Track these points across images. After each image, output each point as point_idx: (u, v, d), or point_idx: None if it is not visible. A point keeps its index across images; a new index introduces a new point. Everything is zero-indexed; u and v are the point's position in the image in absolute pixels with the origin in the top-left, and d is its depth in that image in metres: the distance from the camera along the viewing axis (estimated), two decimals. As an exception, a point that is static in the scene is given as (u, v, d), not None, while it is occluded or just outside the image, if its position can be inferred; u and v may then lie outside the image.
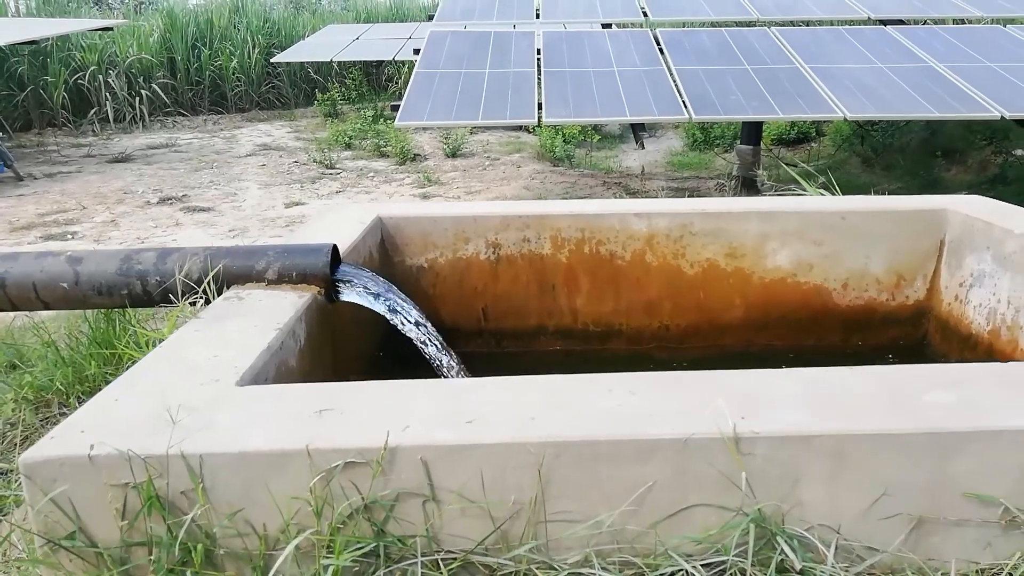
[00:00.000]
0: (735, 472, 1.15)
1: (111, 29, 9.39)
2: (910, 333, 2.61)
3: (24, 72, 10.03)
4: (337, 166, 7.79)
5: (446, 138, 8.42)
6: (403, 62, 11.78)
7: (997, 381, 1.28)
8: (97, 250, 1.84)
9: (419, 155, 8.33)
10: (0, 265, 1.78)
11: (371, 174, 7.43)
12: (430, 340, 1.87)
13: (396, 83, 13.14)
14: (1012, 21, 5.78)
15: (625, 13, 6.03)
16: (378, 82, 13.84)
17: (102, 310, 2.12)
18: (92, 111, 10.43)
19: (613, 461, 1.15)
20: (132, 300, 1.78)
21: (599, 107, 4.46)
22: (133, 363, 1.44)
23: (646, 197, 6.06)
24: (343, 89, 12.22)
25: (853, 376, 1.30)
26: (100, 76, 10.61)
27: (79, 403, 2.12)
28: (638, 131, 4.85)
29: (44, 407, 2.13)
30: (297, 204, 6.21)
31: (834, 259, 2.51)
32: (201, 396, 1.26)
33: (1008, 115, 4.12)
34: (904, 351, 2.59)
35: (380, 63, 13.37)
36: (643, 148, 5.84)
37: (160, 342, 1.51)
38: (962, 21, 5.89)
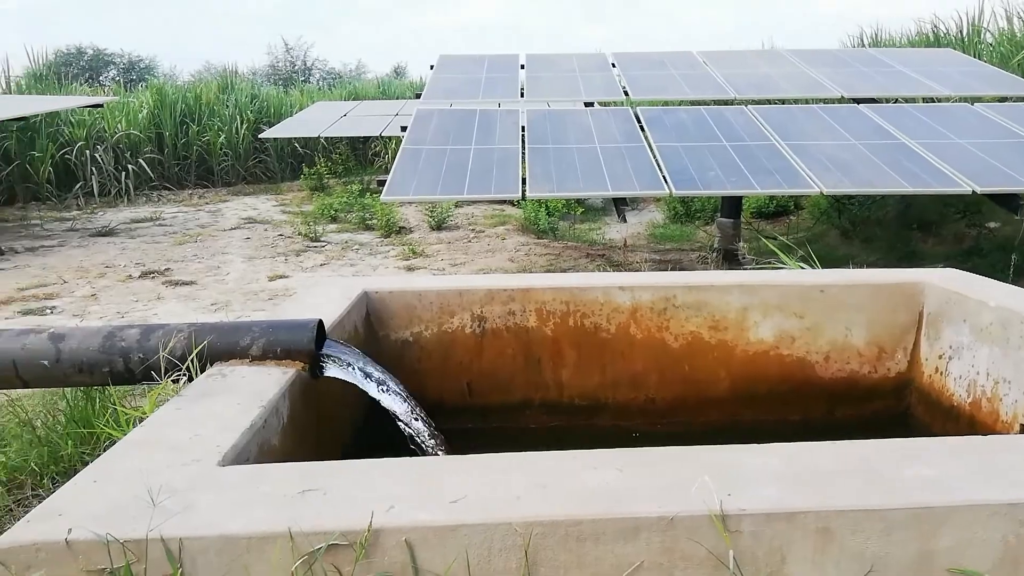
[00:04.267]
0: (722, 550, 1.14)
1: (101, 105, 9.59)
2: (893, 405, 2.62)
3: (11, 147, 10.15)
4: (322, 239, 7.85)
5: (431, 211, 8.52)
6: (390, 137, 12.05)
7: (976, 455, 1.29)
8: (80, 327, 1.83)
9: (404, 228, 8.42)
10: (-19, 343, 1.77)
11: (356, 247, 7.48)
12: (415, 416, 1.86)
13: (383, 157, 13.39)
14: (979, 99, 6.03)
15: (607, 93, 6.23)
16: (365, 157, 14.11)
17: (81, 387, 2.10)
18: (77, 185, 10.52)
19: (599, 541, 1.14)
20: (114, 378, 1.76)
21: (581, 182, 4.56)
22: (112, 442, 1.43)
23: (629, 269, 6.13)
24: (330, 163, 12.42)
25: (833, 451, 1.30)
26: (87, 151, 10.75)
27: (53, 484, 2.07)
28: (620, 205, 4.94)
29: (17, 488, 2.08)
30: (281, 277, 6.22)
31: (816, 331, 2.54)
32: (182, 477, 1.24)
33: (979, 190, 4.25)
34: (888, 423, 2.59)
35: (367, 139, 13.66)
36: (625, 221, 5.95)
37: (140, 421, 1.49)
38: (932, 100, 6.12)
